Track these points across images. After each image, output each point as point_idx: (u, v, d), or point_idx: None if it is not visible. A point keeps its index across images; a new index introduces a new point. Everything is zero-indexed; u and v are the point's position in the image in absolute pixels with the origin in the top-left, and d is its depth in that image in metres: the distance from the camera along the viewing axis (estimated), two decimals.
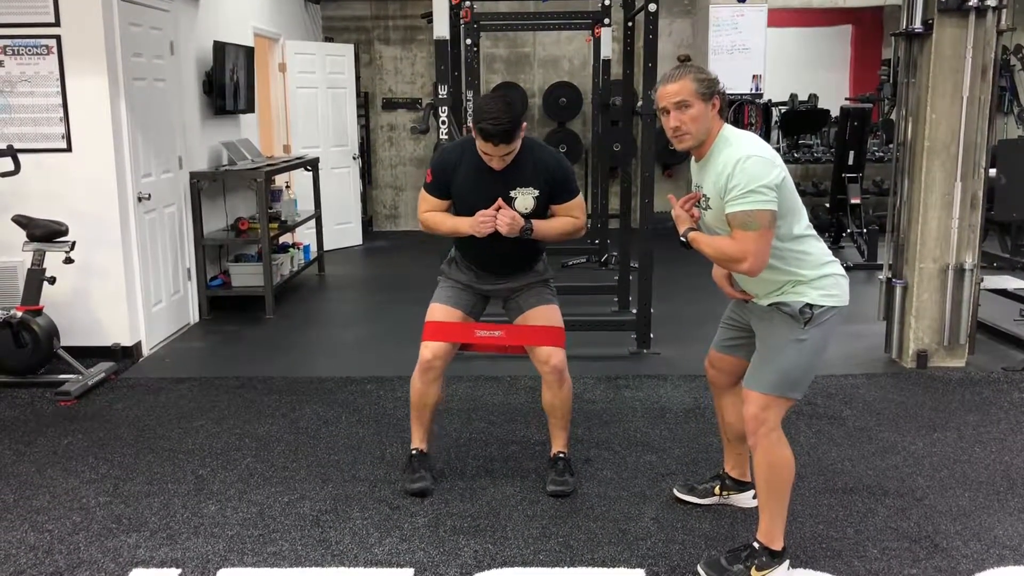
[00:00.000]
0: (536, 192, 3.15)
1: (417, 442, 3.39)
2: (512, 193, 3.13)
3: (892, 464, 3.53)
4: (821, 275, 2.59)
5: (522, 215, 3.12)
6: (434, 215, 3.27)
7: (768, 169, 2.47)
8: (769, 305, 2.63)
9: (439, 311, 3.29)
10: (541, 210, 3.20)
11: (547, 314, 3.28)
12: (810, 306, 2.56)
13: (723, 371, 2.99)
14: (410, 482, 3.30)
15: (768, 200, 2.44)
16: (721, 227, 2.58)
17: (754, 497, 3.04)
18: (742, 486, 3.13)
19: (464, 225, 3.16)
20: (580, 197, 3.26)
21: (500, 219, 3.07)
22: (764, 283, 2.63)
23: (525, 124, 3.11)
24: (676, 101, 2.53)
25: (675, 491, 3.22)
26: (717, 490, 3.15)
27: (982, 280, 4.76)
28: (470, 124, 3.12)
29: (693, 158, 2.70)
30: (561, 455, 3.38)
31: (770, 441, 2.64)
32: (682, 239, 2.62)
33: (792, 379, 2.61)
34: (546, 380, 3.27)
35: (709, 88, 2.54)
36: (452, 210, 3.27)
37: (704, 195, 2.62)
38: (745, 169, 2.45)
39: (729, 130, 2.61)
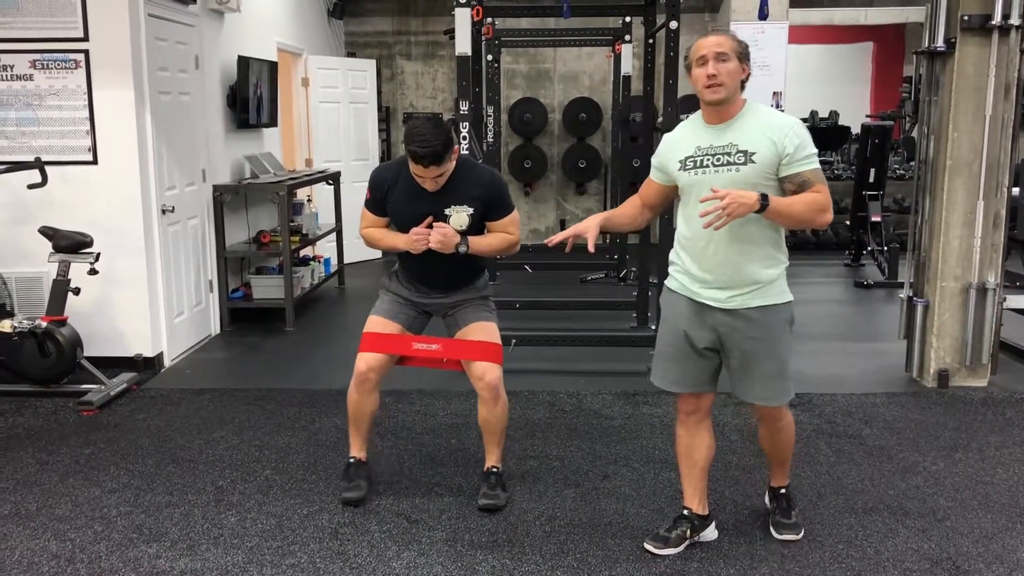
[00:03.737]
0: (471, 210, 3.18)
1: (355, 451, 3.43)
2: (447, 211, 3.17)
3: (913, 484, 3.50)
4: (787, 262, 2.79)
5: (457, 232, 3.15)
6: (373, 231, 3.34)
7: None
8: (755, 309, 2.71)
9: (377, 323, 3.33)
10: (477, 227, 3.23)
11: (485, 330, 3.30)
12: (789, 305, 2.79)
13: (703, 410, 2.93)
14: (345, 490, 3.34)
15: None
16: (763, 182, 2.63)
17: (715, 527, 3.06)
18: (706, 522, 3.03)
19: (400, 242, 3.22)
20: (515, 213, 3.30)
21: (432, 236, 3.12)
22: (754, 261, 2.70)
23: (457, 147, 3.15)
24: (717, 52, 2.61)
25: (648, 547, 2.94)
26: (688, 533, 2.97)
27: (1005, 299, 4.72)
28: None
29: (701, 123, 2.74)
30: (494, 470, 3.39)
31: (789, 419, 2.99)
32: (763, 203, 2.54)
33: (791, 379, 2.85)
34: (481, 396, 3.27)
35: (744, 51, 2.66)
36: (392, 226, 3.33)
37: (741, 151, 2.64)
38: (804, 132, 2.65)
39: (754, 101, 2.75)
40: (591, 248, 2.86)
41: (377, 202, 3.28)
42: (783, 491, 3.13)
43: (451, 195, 3.16)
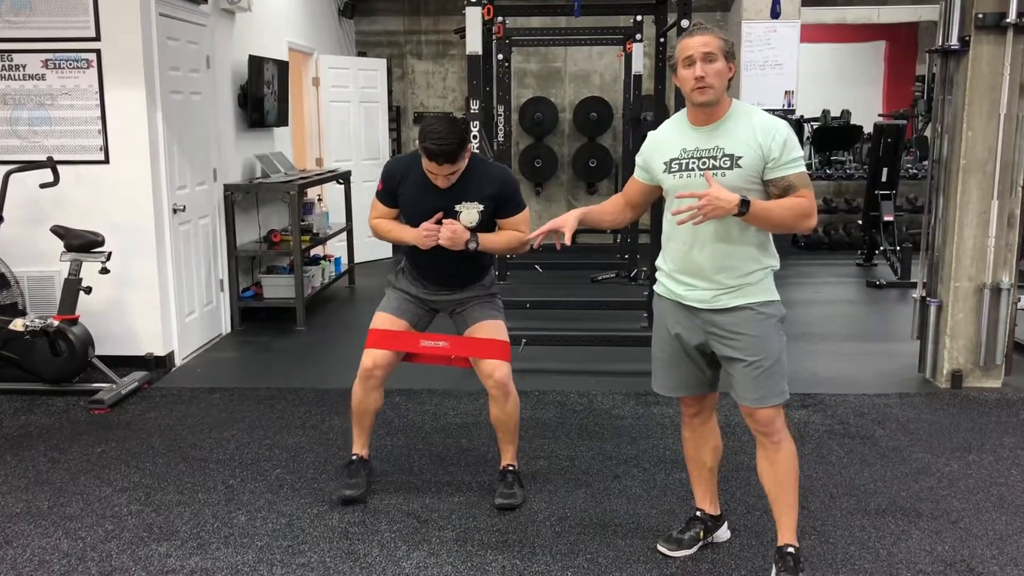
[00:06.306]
0: (481, 207, 3.17)
1: (358, 448, 3.43)
2: (457, 207, 3.16)
3: (926, 485, 3.48)
4: (776, 265, 2.69)
5: (467, 229, 3.15)
6: (383, 222, 3.33)
7: None
8: (740, 307, 2.61)
9: (384, 320, 3.32)
10: (487, 224, 3.22)
11: (493, 328, 3.29)
12: (778, 303, 2.69)
13: (707, 410, 2.92)
14: (344, 488, 3.33)
15: None
16: (748, 186, 2.55)
17: (728, 527, 3.04)
18: (718, 522, 3.02)
19: (408, 236, 3.21)
20: (526, 211, 3.28)
21: (443, 232, 3.10)
22: (739, 265, 2.62)
23: (471, 145, 3.14)
24: (705, 52, 2.52)
25: (661, 548, 2.94)
26: (701, 534, 2.96)
27: (1019, 300, 4.69)
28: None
29: (686, 124, 2.66)
30: (511, 468, 3.38)
31: (788, 438, 2.74)
32: (742, 208, 2.46)
33: (786, 378, 2.69)
34: (491, 394, 3.26)
35: (731, 49, 2.57)
36: (401, 219, 3.33)
37: (728, 154, 2.56)
38: (790, 135, 2.57)
39: (740, 102, 2.66)
40: (567, 241, 2.77)
41: (388, 194, 3.28)
42: (791, 550, 2.73)
43: (462, 192, 3.16)
